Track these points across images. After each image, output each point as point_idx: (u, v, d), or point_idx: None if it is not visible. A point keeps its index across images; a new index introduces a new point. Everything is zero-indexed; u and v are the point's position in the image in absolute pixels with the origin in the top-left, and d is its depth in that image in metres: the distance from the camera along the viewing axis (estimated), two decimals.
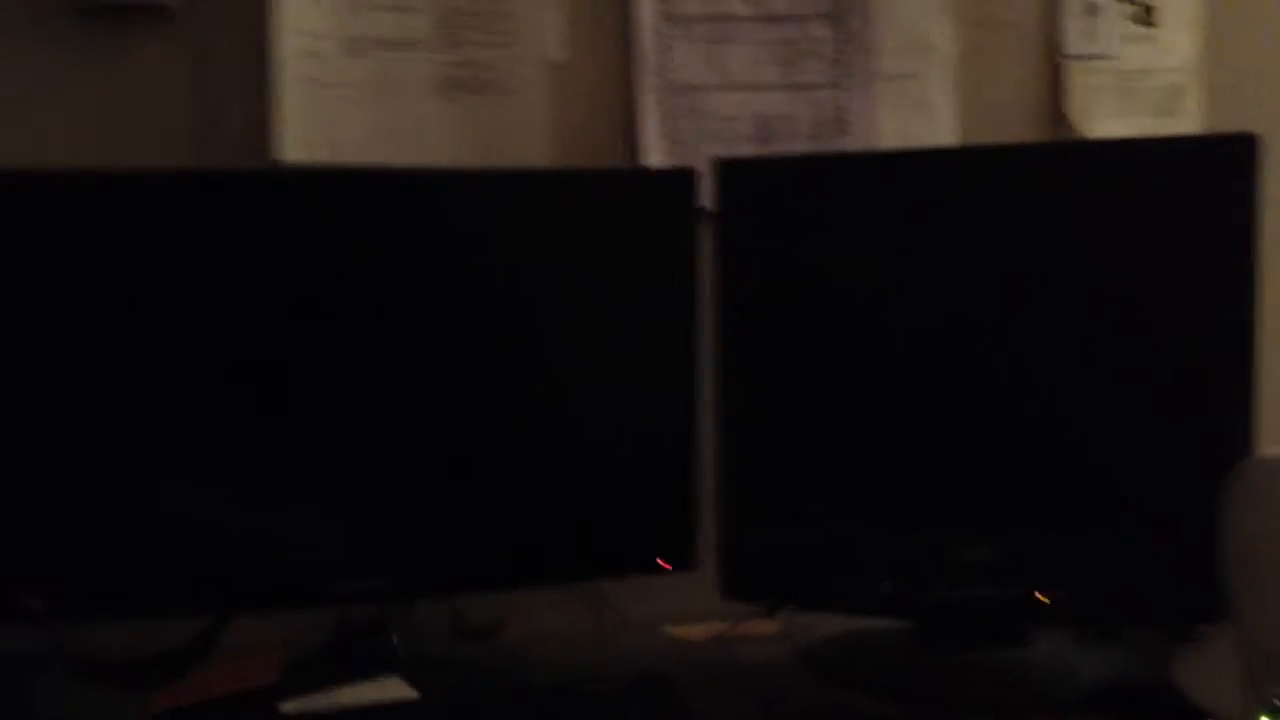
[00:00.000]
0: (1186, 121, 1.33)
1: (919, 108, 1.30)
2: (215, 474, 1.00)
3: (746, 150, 1.27)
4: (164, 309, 0.98)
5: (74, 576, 0.99)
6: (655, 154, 1.26)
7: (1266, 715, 0.88)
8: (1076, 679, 1.03)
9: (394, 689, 1.00)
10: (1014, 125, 1.33)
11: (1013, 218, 1.04)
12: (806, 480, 1.09)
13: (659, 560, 1.11)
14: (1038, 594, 1.01)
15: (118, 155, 1.11)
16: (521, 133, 1.22)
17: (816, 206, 1.09)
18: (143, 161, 1.09)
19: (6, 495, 0.97)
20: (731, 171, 1.11)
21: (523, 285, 1.07)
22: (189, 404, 0.99)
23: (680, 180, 1.12)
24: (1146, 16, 1.33)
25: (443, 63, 1.20)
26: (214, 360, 1.00)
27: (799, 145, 1.28)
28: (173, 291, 0.98)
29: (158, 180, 1.00)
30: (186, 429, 0.99)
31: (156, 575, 1.00)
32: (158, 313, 0.98)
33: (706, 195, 1.12)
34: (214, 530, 1.00)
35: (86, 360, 0.97)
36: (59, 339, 0.97)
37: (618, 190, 1.13)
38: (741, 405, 1.10)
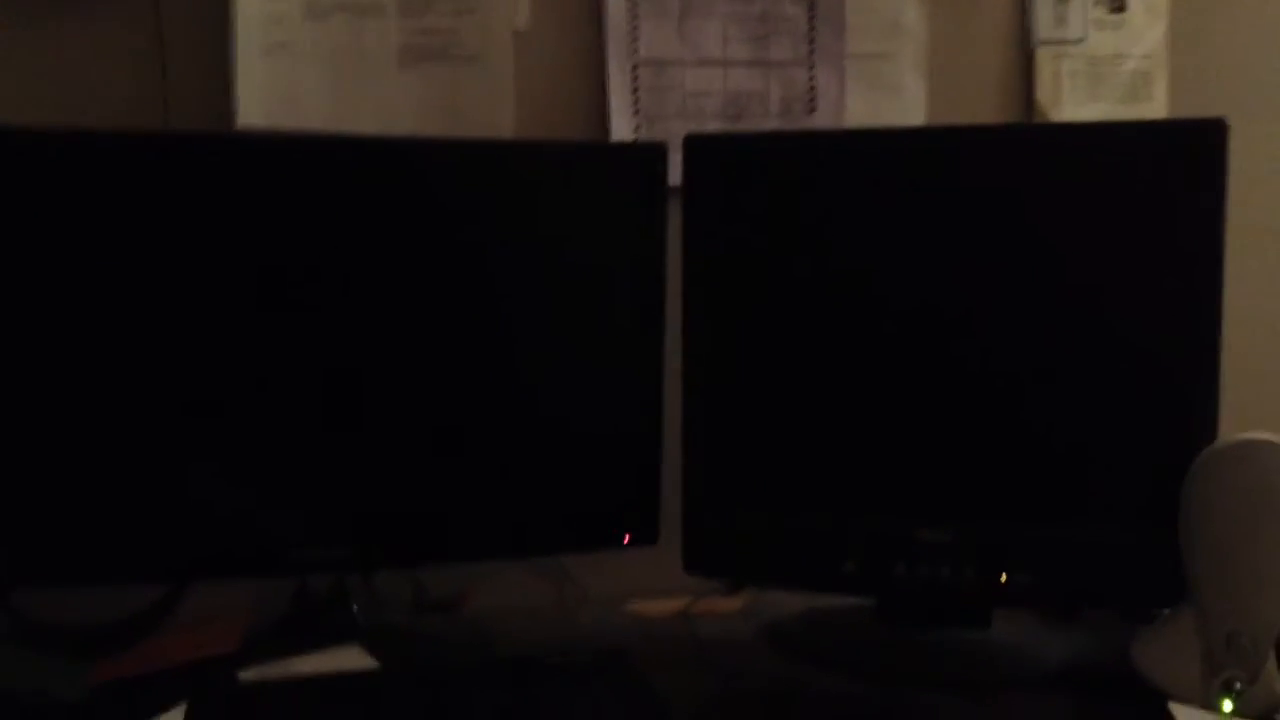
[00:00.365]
0: (1154, 108, 1.34)
1: (889, 88, 1.29)
2: (174, 440, 0.98)
3: (715, 126, 1.26)
4: (120, 274, 0.96)
5: (24, 540, 0.96)
6: (622, 128, 1.24)
7: (1226, 698, 0.90)
8: (1038, 660, 1.03)
9: (354, 659, 0.98)
10: (983, 109, 1.33)
11: (981, 200, 1.03)
12: (771, 457, 1.08)
13: (622, 535, 1.10)
14: (1000, 576, 1.01)
15: (74, 118, 1.08)
16: (486, 102, 1.20)
17: (785, 184, 1.08)
18: (100, 125, 1.06)
19: None
20: (700, 147, 1.10)
21: (486, 258, 1.06)
22: (149, 369, 0.97)
23: (648, 155, 1.11)
24: (1116, 3, 1.33)
25: (407, 29, 1.18)
26: (173, 327, 0.97)
27: (768, 122, 1.27)
28: (128, 256, 0.96)
29: (114, 142, 0.97)
30: (145, 395, 0.97)
31: (112, 541, 0.97)
32: (115, 277, 0.95)
33: (674, 171, 1.11)
34: (172, 496, 0.98)
35: (41, 323, 0.94)
36: (12, 301, 0.94)
37: (584, 164, 1.11)
38: (707, 381, 1.10)
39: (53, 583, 0.98)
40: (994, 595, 1.03)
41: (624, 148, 1.22)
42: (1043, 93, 1.32)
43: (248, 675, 0.94)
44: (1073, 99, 1.33)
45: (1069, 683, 0.99)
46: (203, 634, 1.00)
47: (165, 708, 0.86)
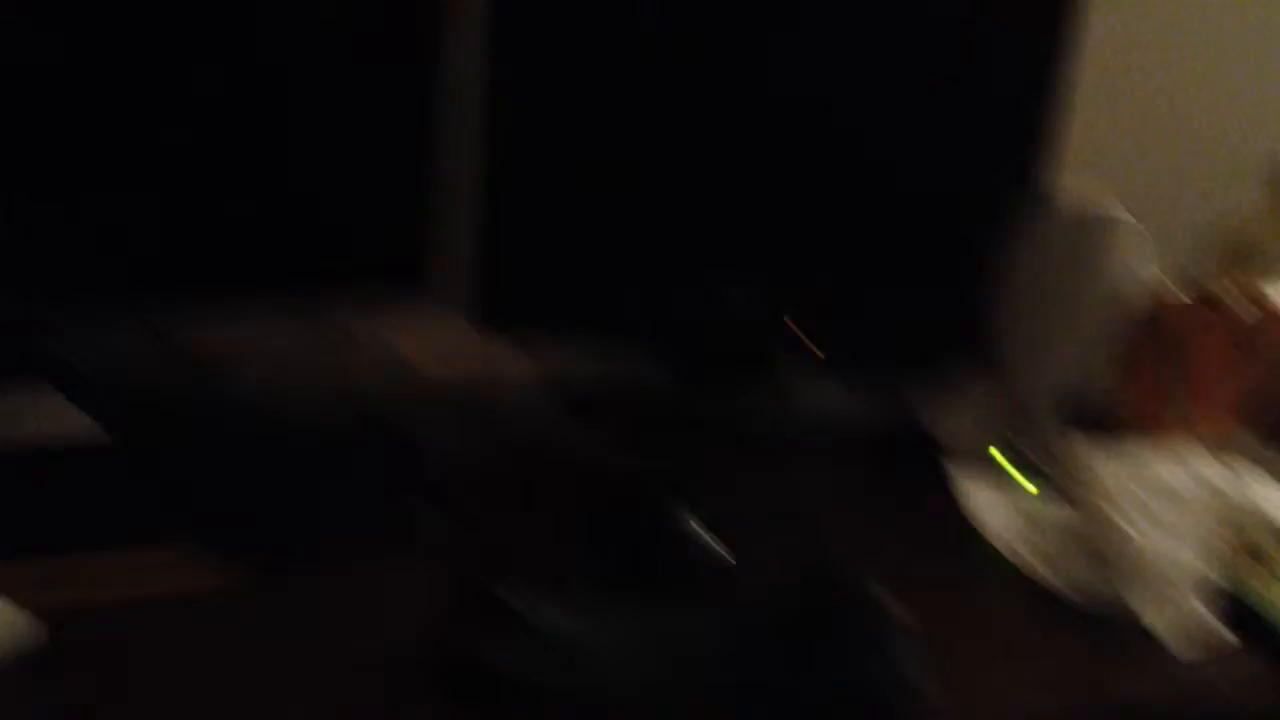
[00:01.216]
0: None
1: None
2: None
3: None
4: None
5: None
6: None
7: (1007, 458, 0.88)
8: (833, 422, 1.00)
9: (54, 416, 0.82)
10: None
11: None
12: (570, 206, 0.97)
13: (397, 280, 0.98)
14: (799, 336, 0.95)
15: None
16: None
17: None
18: None
19: None
20: None
21: None
22: None
23: None
24: None
25: None
26: None
27: None
28: None
29: None
30: None
31: None
32: None
33: None
34: None
35: None
36: None
37: None
38: (508, 120, 0.96)
39: None
40: (793, 351, 0.97)
41: None
42: None
43: None
44: None
45: (864, 444, 0.96)
46: None
47: None
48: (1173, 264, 0.90)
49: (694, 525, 0.74)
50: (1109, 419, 0.90)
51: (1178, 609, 0.75)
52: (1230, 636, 0.77)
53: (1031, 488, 0.87)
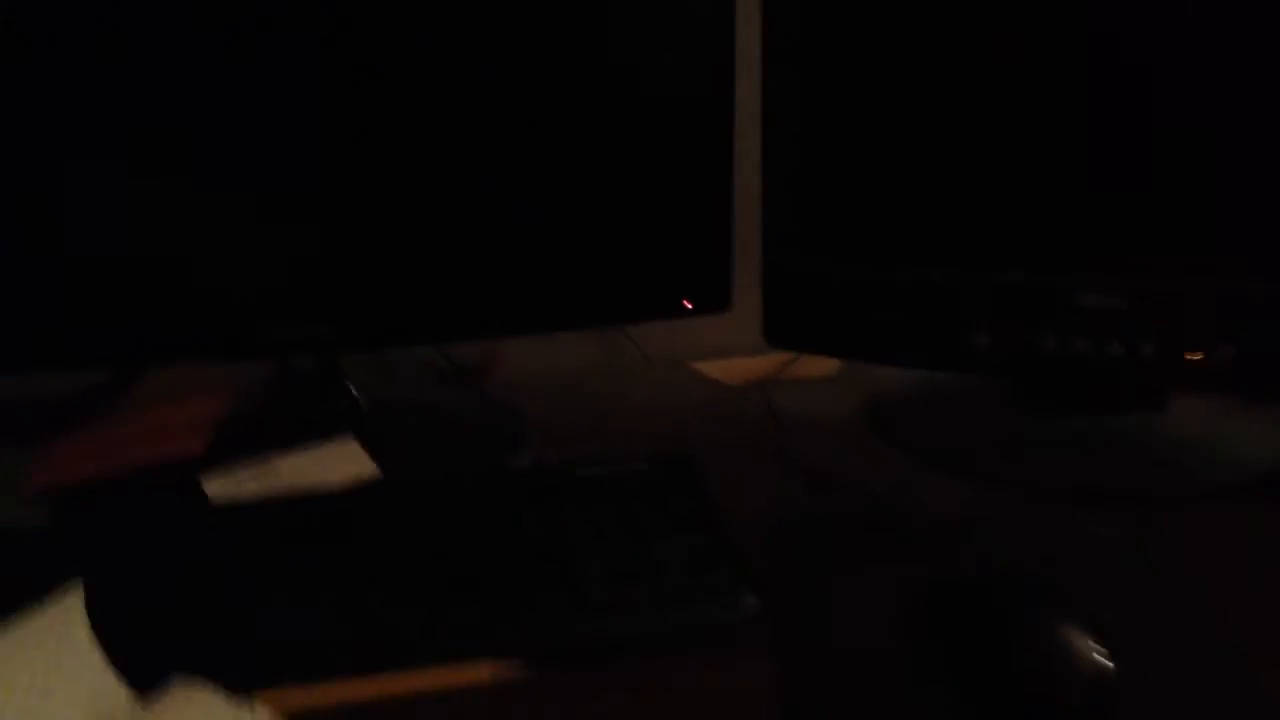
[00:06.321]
0: None
1: None
2: (126, 193, 0.75)
3: None
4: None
5: None
6: None
7: None
8: (1229, 458, 0.79)
9: (348, 458, 0.78)
10: None
11: None
12: (876, 195, 0.82)
13: (684, 300, 0.87)
14: (1185, 352, 0.76)
15: None
16: None
17: None
18: None
19: None
20: None
21: None
22: (96, 110, 0.73)
23: None
24: None
25: None
26: (128, 56, 0.73)
27: None
28: None
29: None
30: (91, 138, 0.73)
31: (54, 318, 0.77)
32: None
33: None
34: (124, 264, 0.76)
35: None
36: None
37: None
38: (792, 115, 0.83)
39: None
40: (1175, 373, 0.77)
41: None
42: None
43: (215, 488, 0.73)
44: None
45: (1273, 488, 0.75)
46: (164, 421, 0.79)
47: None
48: None
49: None
50: None
51: None
52: None
53: None
